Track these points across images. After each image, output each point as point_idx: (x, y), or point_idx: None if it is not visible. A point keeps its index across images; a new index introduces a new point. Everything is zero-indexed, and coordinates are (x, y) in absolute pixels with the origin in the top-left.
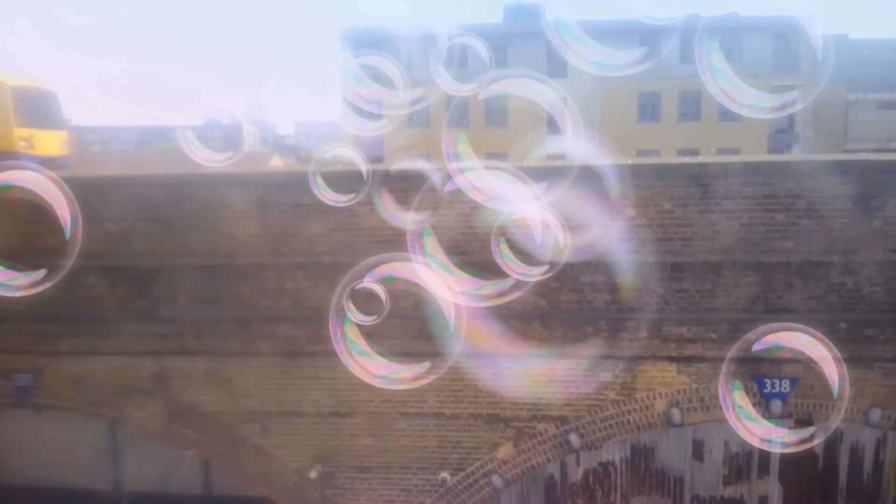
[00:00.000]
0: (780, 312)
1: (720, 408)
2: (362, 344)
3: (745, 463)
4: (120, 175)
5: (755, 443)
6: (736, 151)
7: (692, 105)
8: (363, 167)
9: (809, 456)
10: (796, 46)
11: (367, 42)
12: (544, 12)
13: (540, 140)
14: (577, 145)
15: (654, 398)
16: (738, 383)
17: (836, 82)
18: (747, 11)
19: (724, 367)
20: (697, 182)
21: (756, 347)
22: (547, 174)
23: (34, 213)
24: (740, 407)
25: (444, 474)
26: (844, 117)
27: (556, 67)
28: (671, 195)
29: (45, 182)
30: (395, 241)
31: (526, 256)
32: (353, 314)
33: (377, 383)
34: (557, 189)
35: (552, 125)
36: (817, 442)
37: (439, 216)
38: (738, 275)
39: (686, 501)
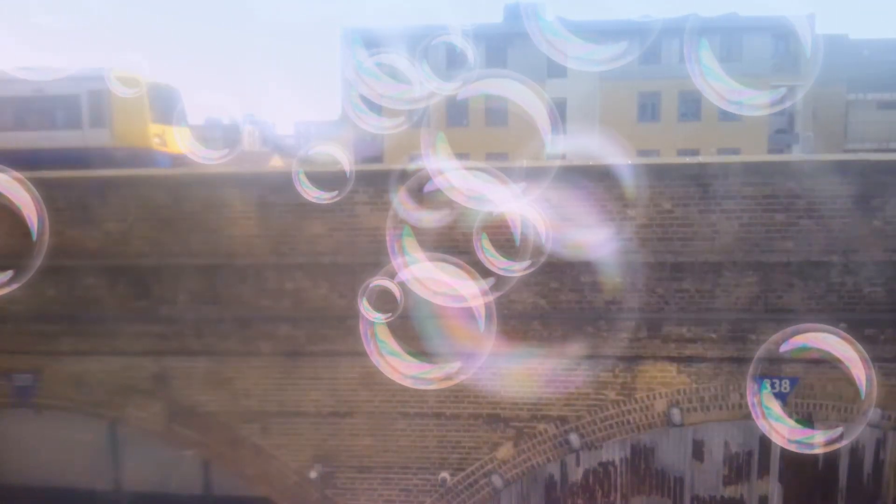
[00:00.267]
0: (780, 312)
1: (720, 408)
2: (392, 344)
3: (745, 463)
4: (120, 175)
5: (783, 444)
6: (736, 151)
7: (692, 105)
8: (346, 165)
9: (809, 456)
10: (796, 46)
11: (367, 42)
12: (544, 12)
13: (540, 140)
14: (573, 145)
15: (654, 398)
16: (765, 384)
17: (836, 82)
18: (747, 11)
19: (751, 368)
20: (697, 182)
21: (783, 348)
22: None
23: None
24: (768, 408)
25: (444, 474)
26: (844, 117)
27: (556, 68)
28: (671, 195)
29: (10, 183)
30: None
31: (508, 252)
32: (368, 312)
33: (408, 383)
34: (545, 188)
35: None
36: (845, 443)
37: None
38: (738, 275)
39: (686, 501)
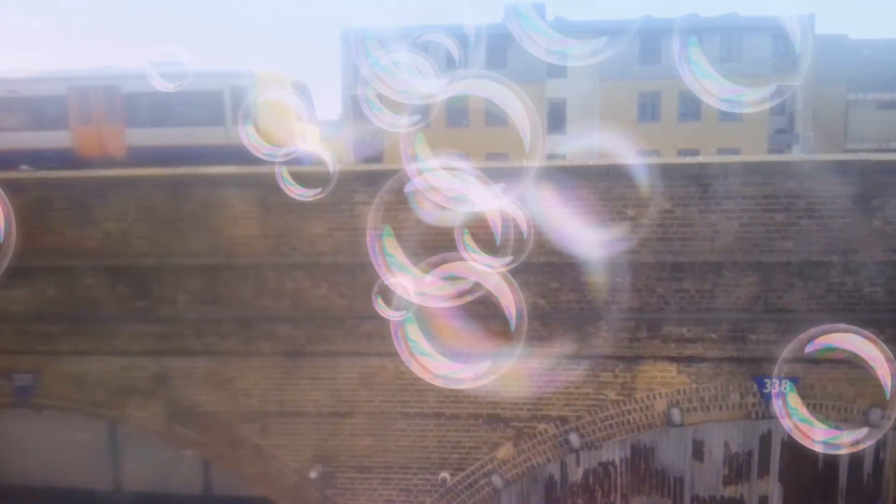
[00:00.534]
0: (780, 312)
1: (720, 408)
2: (423, 343)
3: (745, 463)
4: (120, 175)
5: (808, 444)
6: (736, 151)
7: (692, 105)
8: (330, 163)
9: (809, 456)
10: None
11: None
12: (545, 12)
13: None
14: (581, 144)
15: (654, 398)
16: (790, 385)
17: (836, 82)
18: (747, 11)
19: (776, 369)
20: (697, 182)
21: (809, 349)
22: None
23: None
24: (793, 409)
25: (444, 474)
26: (844, 117)
27: (556, 68)
28: (671, 195)
29: None
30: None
31: (490, 249)
32: (383, 310)
33: (438, 383)
34: (546, 188)
35: (553, 125)
36: (870, 443)
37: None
38: (738, 275)
39: (686, 501)
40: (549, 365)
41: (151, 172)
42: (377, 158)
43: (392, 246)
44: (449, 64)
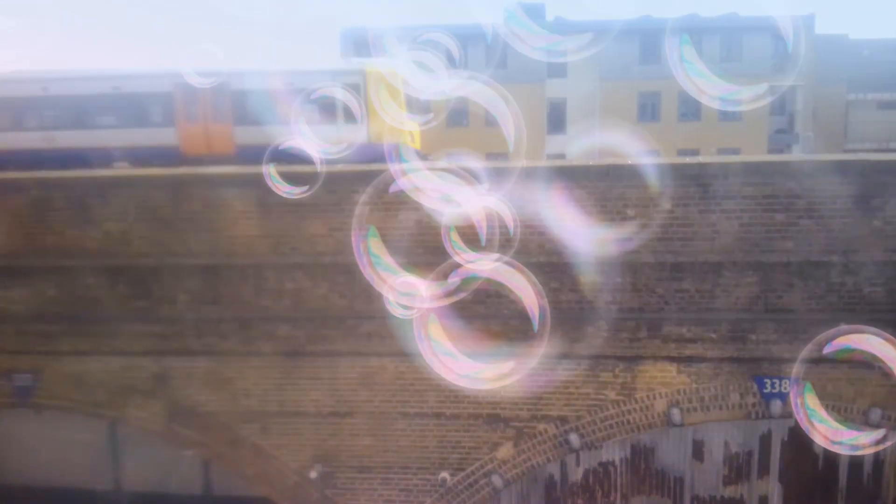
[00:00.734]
0: (780, 312)
1: (720, 408)
2: (446, 343)
3: (745, 463)
4: (120, 175)
5: (826, 445)
6: (736, 151)
7: (692, 105)
8: (317, 161)
9: (809, 456)
10: (796, 46)
11: (367, 42)
12: (545, 12)
13: (541, 140)
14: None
15: (654, 398)
16: (808, 385)
17: (836, 82)
18: (747, 11)
19: (795, 370)
20: (697, 182)
21: (827, 350)
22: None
23: None
24: (812, 409)
25: (444, 474)
26: (844, 117)
27: (556, 68)
28: (671, 195)
29: None
30: (395, 241)
31: (475, 245)
32: (394, 308)
33: (462, 383)
34: (546, 188)
35: (554, 125)
36: (889, 444)
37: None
38: (738, 275)
39: (686, 501)
40: (549, 365)
41: (151, 172)
42: (380, 158)
43: (377, 246)
44: (449, 64)
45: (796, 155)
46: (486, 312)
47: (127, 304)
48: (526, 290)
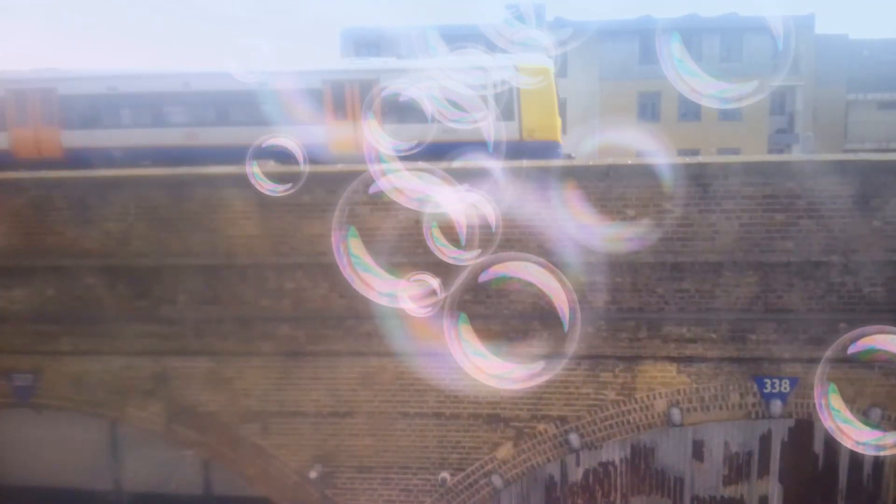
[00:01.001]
0: (780, 312)
1: (720, 408)
2: (477, 344)
3: (745, 463)
4: (120, 175)
5: (851, 445)
6: (736, 151)
7: (692, 105)
8: (300, 159)
9: (809, 456)
10: (796, 47)
11: (368, 42)
12: (545, 12)
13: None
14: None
15: (654, 398)
16: (833, 386)
17: (836, 82)
18: (747, 11)
19: (819, 370)
20: (697, 182)
21: (851, 350)
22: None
23: None
24: (836, 410)
25: (444, 474)
26: (844, 117)
27: (556, 68)
28: (671, 195)
29: None
30: (395, 241)
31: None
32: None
33: (492, 383)
34: (547, 188)
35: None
36: None
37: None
38: (738, 275)
39: (686, 501)
40: (548, 365)
41: (151, 172)
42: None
43: (357, 247)
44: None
45: (796, 155)
46: (511, 311)
47: (127, 304)
48: (556, 290)
